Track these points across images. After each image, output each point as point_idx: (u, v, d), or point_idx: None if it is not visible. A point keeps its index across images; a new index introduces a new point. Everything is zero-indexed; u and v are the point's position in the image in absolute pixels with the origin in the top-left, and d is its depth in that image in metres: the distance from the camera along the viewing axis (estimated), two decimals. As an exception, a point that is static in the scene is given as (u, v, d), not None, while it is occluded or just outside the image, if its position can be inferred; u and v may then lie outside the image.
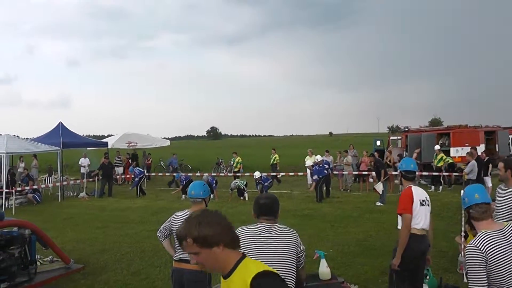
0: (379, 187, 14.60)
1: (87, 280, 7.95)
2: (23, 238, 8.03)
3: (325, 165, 16.64)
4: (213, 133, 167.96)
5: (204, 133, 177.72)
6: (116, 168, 23.90)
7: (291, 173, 22.49)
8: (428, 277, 6.41)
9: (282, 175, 22.51)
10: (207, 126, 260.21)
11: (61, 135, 20.56)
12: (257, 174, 17.28)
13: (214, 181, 17.28)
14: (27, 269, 7.97)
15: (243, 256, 2.36)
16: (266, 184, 16.97)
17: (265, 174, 18.13)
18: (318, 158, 17.37)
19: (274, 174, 21.81)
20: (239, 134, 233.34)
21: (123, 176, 24.59)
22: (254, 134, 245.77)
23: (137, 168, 21.16)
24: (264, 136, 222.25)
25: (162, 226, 5.07)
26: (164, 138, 30.85)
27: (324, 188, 16.72)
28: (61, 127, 21.41)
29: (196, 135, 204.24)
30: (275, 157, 23.44)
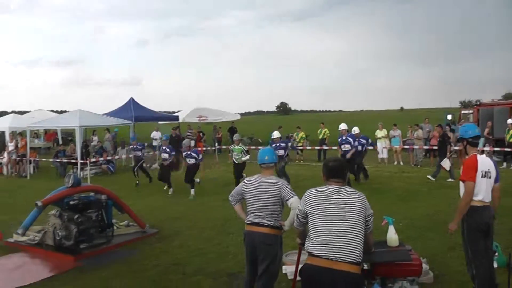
0: (446, 163, 14.17)
1: (161, 244, 8.48)
2: (100, 202, 8.69)
3: (361, 140, 15.25)
4: (283, 108, 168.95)
5: (274, 109, 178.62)
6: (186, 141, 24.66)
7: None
8: (497, 254, 6.32)
9: None
10: (277, 101, 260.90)
11: (133, 110, 21.51)
12: (275, 134, 14.88)
13: None
14: (104, 231, 8.66)
15: None
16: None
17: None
18: (356, 130, 15.64)
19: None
20: (309, 110, 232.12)
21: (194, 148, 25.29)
22: (324, 110, 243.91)
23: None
24: (334, 111, 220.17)
25: (234, 191, 5.41)
26: (237, 113, 31.25)
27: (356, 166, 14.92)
28: (132, 102, 22.46)
29: (266, 111, 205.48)
30: (325, 131, 23.64)
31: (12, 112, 31.53)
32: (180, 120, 24.88)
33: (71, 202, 8.27)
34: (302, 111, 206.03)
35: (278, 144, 14.29)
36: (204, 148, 23.31)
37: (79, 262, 7.62)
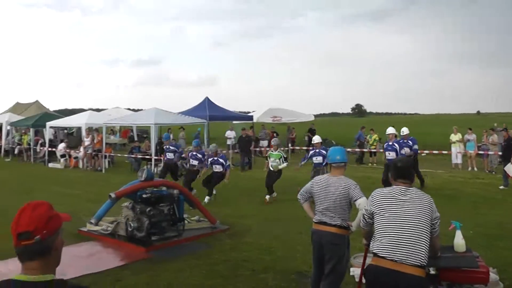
0: (510, 168, 13.20)
1: (232, 240, 8.54)
2: (172, 197, 8.86)
3: (409, 142, 13.68)
4: (358, 110, 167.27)
5: (349, 110, 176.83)
6: (261, 141, 24.87)
7: (435, 152, 21.51)
8: None
9: (426, 153, 21.71)
10: (352, 103, 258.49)
11: (207, 109, 21.90)
12: (316, 139, 13.23)
13: None
14: (175, 225, 8.82)
15: None
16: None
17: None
18: (404, 131, 13.70)
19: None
20: (384, 112, 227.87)
21: (267, 149, 25.38)
22: (399, 112, 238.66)
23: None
24: (410, 114, 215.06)
25: (303, 189, 5.41)
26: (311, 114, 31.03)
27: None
28: (207, 102, 22.86)
29: (341, 112, 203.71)
30: (374, 137, 23.12)
31: (89, 109, 32.89)
32: (254, 120, 25.08)
33: (144, 195, 8.47)
34: (377, 113, 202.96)
35: (318, 151, 12.55)
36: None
37: (150, 253, 7.79)
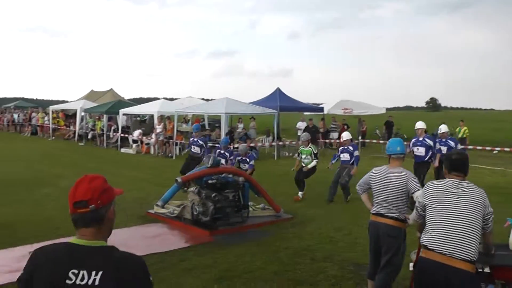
0: None
1: (295, 229, 8.71)
2: (237, 184, 9.12)
3: (449, 142, 11.78)
4: (433, 104, 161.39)
5: (423, 104, 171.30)
6: (331, 133, 24.80)
7: (506, 149, 20.60)
8: None
9: (497, 151, 20.85)
10: (427, 97, 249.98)
11: (279, 100, 22.06)
12: (345, 135, 12.25)
13: None
14: (240, 212, 9.08)
15: None
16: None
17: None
18: (442, 128, 12.25)
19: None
20: (459, 107, 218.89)
21: (337, 141, 25.23)
22: (474, 107, 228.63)
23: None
24: (485, 109, 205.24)
25: (361, 180, 5.48)
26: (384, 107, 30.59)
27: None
28: (278, 93, 23.07)
29: (415, 106, 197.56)
30: (464, 130, 22.59)
31: (164, 98, 34.01)
32: (325, 112, 25.01)
33: (210, 181, 8.77)
34: (452, 108, 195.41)
35: (346, 147, 11.71)
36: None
37: (213, 237, 8.09)
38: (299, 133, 24.48)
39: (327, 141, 24.14)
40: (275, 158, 20.44)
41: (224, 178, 9.09)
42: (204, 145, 12.60)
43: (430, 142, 11.51)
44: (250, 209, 9.53)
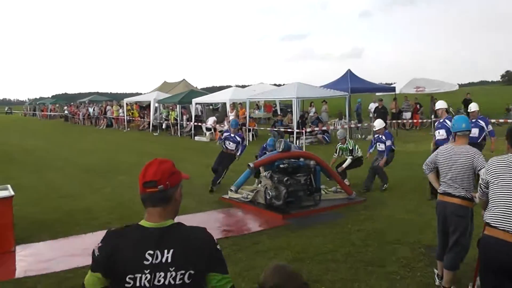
0: None
1: (367, 211, 8.76)
2: (308, 167, 9.25)
3: (479, 122, 10.66)
4: (508, 77, 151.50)
5: (499, 78, 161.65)
6: (403, 113, 24.32)
7: None
8: None
9: None
10: (502, 70, 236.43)
11: (349, 82, 21.88)
12: (377, 123, 11.34)
13: None
14: (312, 195, 9.22)
15: None
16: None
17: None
18: (473, 107, 11.12)
19: None
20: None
21: (410, 121, 24.75)
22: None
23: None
24: None
25: (428, 159, 5.44)
26: (458, 84, 29.44)
27: None
28: (349, 74, 22.83)
29: (490, 81, 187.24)
30: None
31: (236, 85, 34.52)
32: (397, 91, 24.49)
33: (281, 166, 8.95)
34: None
35: (379, 137, 10.93)
36: (420, 121, 22.81)
37: (286, 220, 8.29)
38: (371, 114, 24.22)
39: (400, 121, 23.69)
40: (347, 140, 20.28)
41: (295, 162, 9.23)
42: (241, 142, 11.48)
43: (448, 123, 9.60)
44: (322, 192, 9.66)
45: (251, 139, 21.61)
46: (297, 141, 18.85)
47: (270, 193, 8.84)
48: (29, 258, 6.79)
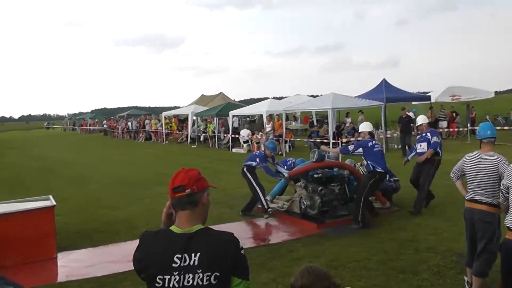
0: None
1: (401, 221, 8.83)
2: (342, 177, 9.39)
3: (427, 135, 9.75)
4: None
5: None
6: (440, 122, 24.07)
7: None
8: None
9: None
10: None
11: (384, 91, 21.85)
12: (420, 119, 10.38)
13: None
14: (346, 204, 9.30)
15: None
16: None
17: None
18: (419, 120, 10.39)
19: None
20: None
21: (446, 130, 24.44)
22: None
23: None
24: None
25: (455, 167, 5.53)
26: (496, 91, 28.98)
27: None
28: (384, 84, 22.83)
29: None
30: None
31: (273, 97, 34.79)
32: (433, 100, 24.25)
33: (315, 175, 9.12)
34: None
35: (424, 135, 9.82)
36: (457, 129, 22.58)
37: (321, 229, 8.45)
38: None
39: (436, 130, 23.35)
40: (383, 151, 20.18)
41: (329, 172, 9.37)
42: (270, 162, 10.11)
43: (430, 136, 9.63)
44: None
45: (287, 150, 21.79)
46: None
47: (305, 203, 9.00)
48: (71, 264, 7.21)
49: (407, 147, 18.19)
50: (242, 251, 2.31)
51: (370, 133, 9.41)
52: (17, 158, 24.58)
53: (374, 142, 9.03)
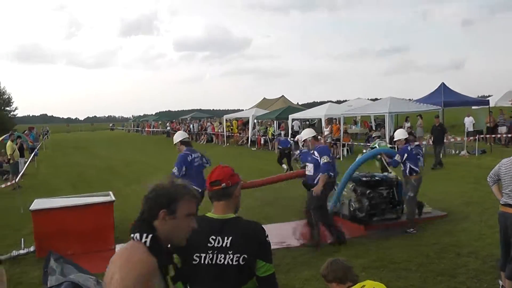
0: None
1: (447, 226, 8.79)
2: (391, 181, 9.41)
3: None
4: None
5: None
6: (499, 128, 23.25)
7: None
8: None
9: None
10: None
11: (443, 95, 21.38)
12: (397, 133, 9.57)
13: None
14: (394, 208, 9.35)
15: None
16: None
17: None
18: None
19: None
20: None
21: (505, 136, 23.59)
22: None
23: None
24: None
25: (491, 172, 5.53)
26: None
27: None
28: (443, 88, 22.28)
29: None
30: None
31: (337, 101, 34.72)
32: (492, 104, 23.42)
33: (364, 179, 9.22)
34: None
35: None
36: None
37: (368, 232, 8.59)
38: (469, 128, 23.39)
39: (494, 136, 22.65)
40: (440, 156, 19.81)
41: (377, 175, 9.45)
42: None
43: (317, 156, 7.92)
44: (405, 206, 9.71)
45: (345, 154, 21.77)
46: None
47: (354, 205, 9.17)
48: None
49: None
50: (268, 239, 2.61)
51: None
52: (81, 158, 25.73)
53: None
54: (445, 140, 16.60)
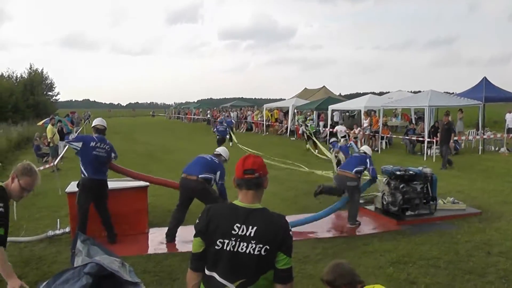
0: None
1: (480, 224, 8.57)
2: (425, 176, 9.24)
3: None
4: None
5: None
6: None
7: None
8: None
9: None
10: None
11: (484, 90, 20.78)
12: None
13: None
14: (428, 204, 9.22)
15: None
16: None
17: None
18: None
19: None
20: None
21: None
22: None
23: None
24: None
25: None
26: None
27: None
28: (484, 82, 21.66)
29: None
30: None
31: (380, 92, 34.13)
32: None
33: (398, 173, 9.07)
34: None
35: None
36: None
37: (400, 226, 8.49)
38: (510, 125, 22.61)
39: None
40: (479, 152, 19.35)
41: (411, 170, 9.26)
42: None
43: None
44: (440, 201, 9.56)
45: (384, 147, 21.47)
46: (429, 151, 18.44)
47: (387, 199, 9.07)
48: (160, 239, 7.82)
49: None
50: (291, 232, 2.61)
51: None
52: (121, 143, 25.97)
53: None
54: (451, 141, 15.75)
